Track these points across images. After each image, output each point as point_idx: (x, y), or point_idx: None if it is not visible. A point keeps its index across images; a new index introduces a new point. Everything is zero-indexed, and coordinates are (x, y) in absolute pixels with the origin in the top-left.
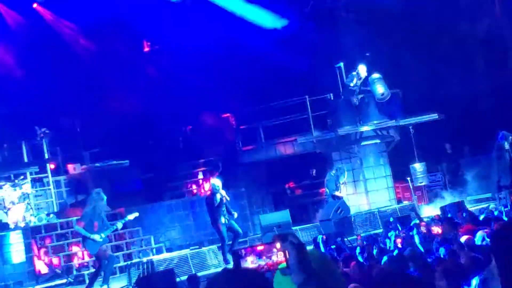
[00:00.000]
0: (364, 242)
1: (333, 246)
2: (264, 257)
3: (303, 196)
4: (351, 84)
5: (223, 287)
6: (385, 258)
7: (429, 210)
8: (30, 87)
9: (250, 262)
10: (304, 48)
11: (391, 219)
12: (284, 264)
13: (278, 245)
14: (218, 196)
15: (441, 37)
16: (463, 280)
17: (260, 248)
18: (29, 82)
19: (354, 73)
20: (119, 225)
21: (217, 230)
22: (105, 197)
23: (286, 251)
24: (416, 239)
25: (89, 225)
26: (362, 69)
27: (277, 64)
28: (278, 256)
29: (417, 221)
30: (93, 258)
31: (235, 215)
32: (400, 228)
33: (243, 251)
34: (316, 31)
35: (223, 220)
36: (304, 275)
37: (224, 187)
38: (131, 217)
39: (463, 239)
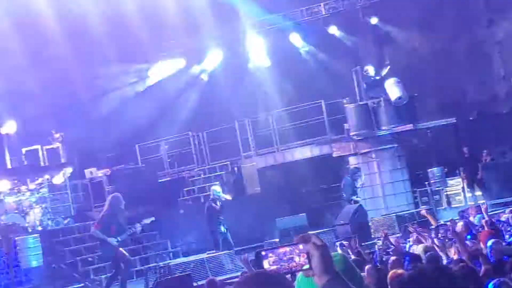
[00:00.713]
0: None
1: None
2: (286, 259)
3: (320, 200)
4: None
5: None
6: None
7: (447, 215)
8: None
9: (271, 264)
10: (323, 51)
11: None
12: (306, 266)
13: (300, 246)
14: (218, 203)
15: (459, 41)
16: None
17: (282, 249)
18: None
19: (365, 74)
20: (138, 227)
21: (214, 239)
22: (123, 202)
23: (309, 253)
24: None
25: (106, 229)
26: (370, 69)
27: (294, 67)
28: (301, 258)
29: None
30: (110, 262)
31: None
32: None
33: (264, 252)
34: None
35: (222, 229)
36: (327, 276)
37: (240, 191)
38: (147, 221)
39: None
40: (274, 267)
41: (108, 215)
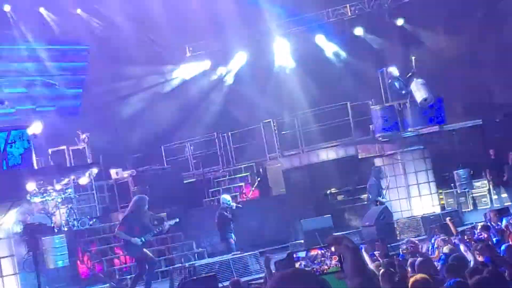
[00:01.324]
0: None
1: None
2: (317, 261)
3: (345, 202)
4: (397, 85)
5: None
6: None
7: (473, 217)
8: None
9: (303, 266)
10: (348, 53)
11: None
12: (337, 268)
13: (332, 248)
14: (229, 212)
15: (486, 42)
16: None
17: (313, 252)
18: None
19: (390, 79)
20: (166, 225)
21: (228, 246)
22: (147, 203)
23: (341, 255)
24: (461, 247)
25: (130, 229)
26: (393, 70)
27: (319, 69)
28: (332, 261)
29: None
30: (135, 263)
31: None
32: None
33: (296, 254)
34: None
35: (233, 237)
36: (359, 279)
37: (265, 192)
38: (171, 222)
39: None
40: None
41: (132, 216)
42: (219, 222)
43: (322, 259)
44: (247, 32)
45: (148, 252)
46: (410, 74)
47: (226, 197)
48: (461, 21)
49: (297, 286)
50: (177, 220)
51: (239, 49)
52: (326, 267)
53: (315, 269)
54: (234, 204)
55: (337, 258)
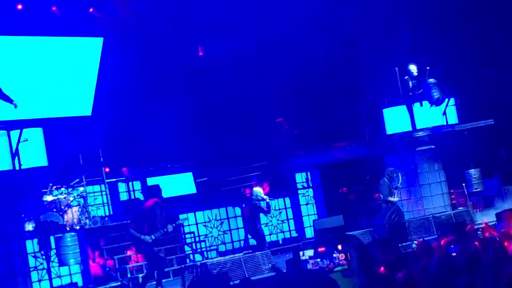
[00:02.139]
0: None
1: None
2: (324, 259)
3: (356, 201)
4: (411, 84)
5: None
6: None
7: (484, 217)
8: None
9: (311, 264)
10: (359, 52)
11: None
12: (344, 267)
13: (339, 246)
14: (264, 204)
15: (498, 42)
16: None
17: (320, 249)
18: None
19: (407, 76)
20: (170, 227)
21: (259, 238)
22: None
23: (348, 253)
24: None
25: (140, 226)
26: (413, 68)
27: (331, 68)
28: (339, 258)
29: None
30: (146, 262)
31: None
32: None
33: (303, 252)
34: (371, 35)
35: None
36: (366, 278)
37: (275, 192)
38: (181, 220)
39: None
40: (313, 267)
41: (142, 213)
42: (250, 214)
43: (330, 256)
44: None
45: (159, 250)
46: (416, 68)
47: (258, 190)
48: (474, 19)
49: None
50: (186, 217)
51: None
52: (332, 264)
53: (322, 266)
54: (267, 198)
55: (344, 256)
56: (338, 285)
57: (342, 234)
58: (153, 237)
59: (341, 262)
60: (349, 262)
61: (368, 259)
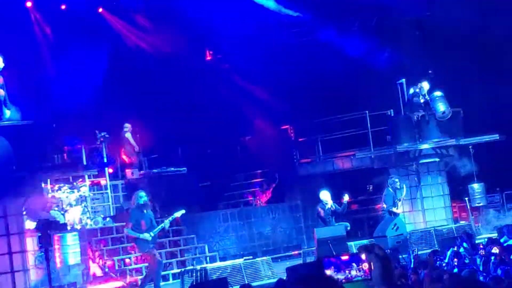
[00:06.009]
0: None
1: None
2: (346, 268)
3: (358, 211)
4: (420, 100)
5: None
6: None
7: (486, 231)
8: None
9: (332, 271)
10: (366, 63)
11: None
12: (359, 278)
13: (363, 256)
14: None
15: (505, 56)
16: None
17: (343, 258)
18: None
19: (417, 89)
20: (167, 223)
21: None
22: (145, 197)
23: (371, 263)
24: (478, 260)
25: (137, 225)
26: (425, 86)
27: (338, 78)
28: (361, 268)
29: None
30: (146, 264)
31: None
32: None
33: (327, 259)
34: (379, 47)
35: None
36: (386, 287)
37: (280, 199)
38: (177, 214)
39: None
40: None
41: (135, 211)
42: (318, 217)
43: (352, 265)
44: None
45: (156, 252)
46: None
47: (324, 195)
48: (481, 34)
49: None
50: (183, 211)
51: None
52: (354, 273)
53: (343, 275)
54: (330, 203)
55: (367, 266)
56: None
57: (365, 244)
58: (152, 234)
59: (362, 271)
60: (371, 272)
61: (391, 269)
